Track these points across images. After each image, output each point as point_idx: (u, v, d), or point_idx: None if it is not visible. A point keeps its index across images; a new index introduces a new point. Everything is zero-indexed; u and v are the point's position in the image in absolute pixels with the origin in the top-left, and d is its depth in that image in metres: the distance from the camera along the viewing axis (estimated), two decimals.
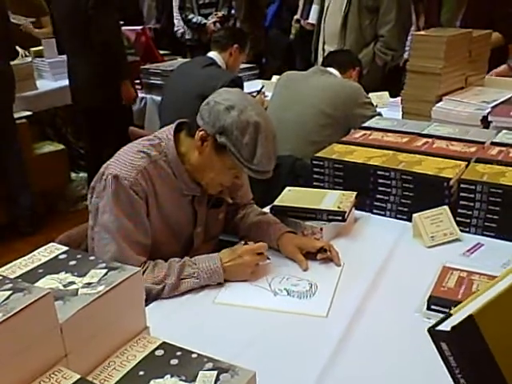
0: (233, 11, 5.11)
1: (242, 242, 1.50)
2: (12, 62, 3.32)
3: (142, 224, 1.41)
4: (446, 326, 0.63)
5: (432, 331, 0.64)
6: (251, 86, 3.53)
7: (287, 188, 1.80)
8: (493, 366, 0.61)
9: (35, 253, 0.94)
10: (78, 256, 0.92)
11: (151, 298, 1.35)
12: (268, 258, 1.49)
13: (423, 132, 2.09)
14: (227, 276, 1.41)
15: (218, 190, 1.52)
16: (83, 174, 4.06)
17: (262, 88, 3.32)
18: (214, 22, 5.11)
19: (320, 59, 3.55)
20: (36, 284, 0.83)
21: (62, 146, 3.77)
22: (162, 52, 4.24)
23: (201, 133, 1.42)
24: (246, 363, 0.82)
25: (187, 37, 5.10)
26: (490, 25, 2.97)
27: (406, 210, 1.74)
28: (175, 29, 5.11)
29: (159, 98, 3.26)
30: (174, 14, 5.11)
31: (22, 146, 3.38)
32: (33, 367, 0.75)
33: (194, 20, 5.25)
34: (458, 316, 0.64)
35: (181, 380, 0.79)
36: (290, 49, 5.46)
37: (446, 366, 0.65)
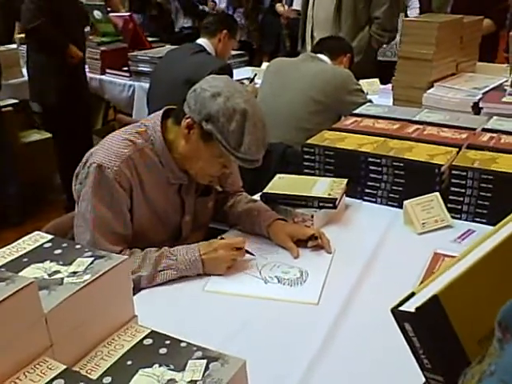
0: None
1: (219, 238, 1.48)
2: None
3: (121, 214, 1.39)
4: (409, 307, 0.61)
5: (395, 312, 0.62)
6: (241, 73, 3.49)
7: (278, 175, 1.78)
8: (457, 346, 0.59)
9: (20, 241, 0.91)
10: (64, 244, 0.90)
11: None
12: (251, 254, 1.45)
13: (414, 118, 2.08)
14: (204, 269, 1.38)
15: (207, 181, 1.50)
16: None
17: (254, 76, 3.26)
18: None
19: (308, 47, 3.45)
20: (20, 273, 0.81)
21: (49, 135, 3.72)
22: (150, 39, 4.18)
23: (187, 120, 1.39)
24: (236, 351, 0.81)
25: (185, 25, 5.05)
26: (482, 11, 2.96)
27: (397, 196, 1.73)
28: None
29: (148, 86, 3.21)
30: None
31: (9, 134, 3.32)
32: (17, 358, 0.73)
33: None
34: (422, 295, 0.62)
35: (169, 369, 0.77)
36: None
37: (410, 347, 0.63)
